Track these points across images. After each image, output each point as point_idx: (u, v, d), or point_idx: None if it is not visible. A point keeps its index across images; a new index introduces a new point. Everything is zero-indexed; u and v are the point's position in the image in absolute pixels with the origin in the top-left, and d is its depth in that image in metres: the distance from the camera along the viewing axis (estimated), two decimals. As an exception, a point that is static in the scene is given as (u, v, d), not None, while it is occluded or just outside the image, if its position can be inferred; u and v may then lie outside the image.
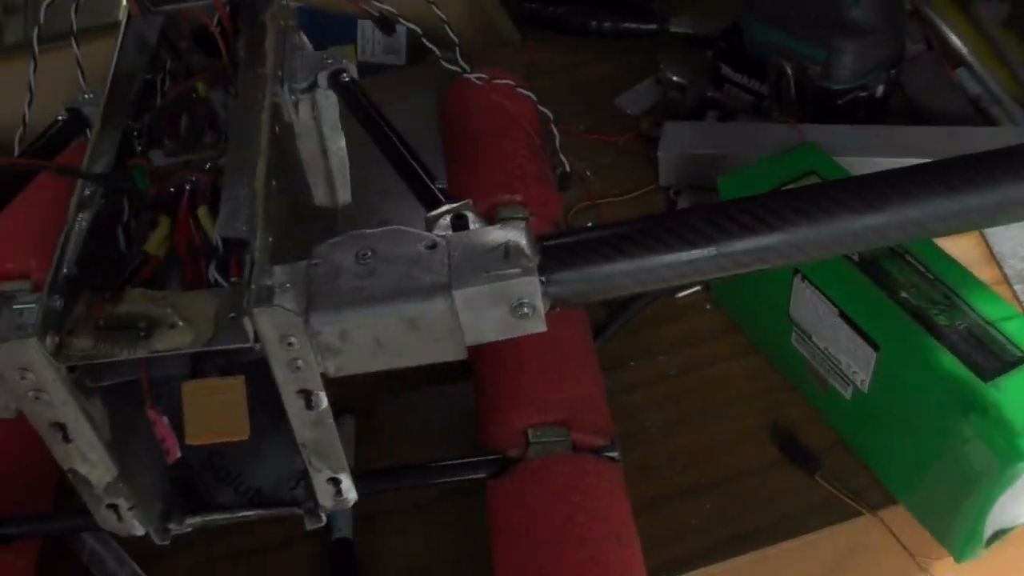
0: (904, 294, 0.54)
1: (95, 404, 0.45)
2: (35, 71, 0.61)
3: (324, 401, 0.45)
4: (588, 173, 0.83)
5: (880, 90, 0.80)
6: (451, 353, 0.44)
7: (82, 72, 0.62)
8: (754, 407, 0.64)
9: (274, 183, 0.48)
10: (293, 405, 0.45)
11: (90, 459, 0.46)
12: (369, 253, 0.43)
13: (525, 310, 0.43)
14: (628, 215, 0.79)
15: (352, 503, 0.51)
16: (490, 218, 0.68)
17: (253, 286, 0.41)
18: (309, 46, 0.63)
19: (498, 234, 0.44)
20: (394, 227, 0.44)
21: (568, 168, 0.77)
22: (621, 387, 0.66)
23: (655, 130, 0.83)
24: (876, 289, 0.55)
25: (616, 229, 0.44)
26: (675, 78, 0.84)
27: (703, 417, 0.64)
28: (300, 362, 0.43)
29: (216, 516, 0.52)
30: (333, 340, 0.42)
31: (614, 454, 0.55)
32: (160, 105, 0.55)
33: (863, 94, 0.79)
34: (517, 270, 0.42)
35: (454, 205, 0.48)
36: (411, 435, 0.65)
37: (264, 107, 0.50)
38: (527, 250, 0.43)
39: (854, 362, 0.56)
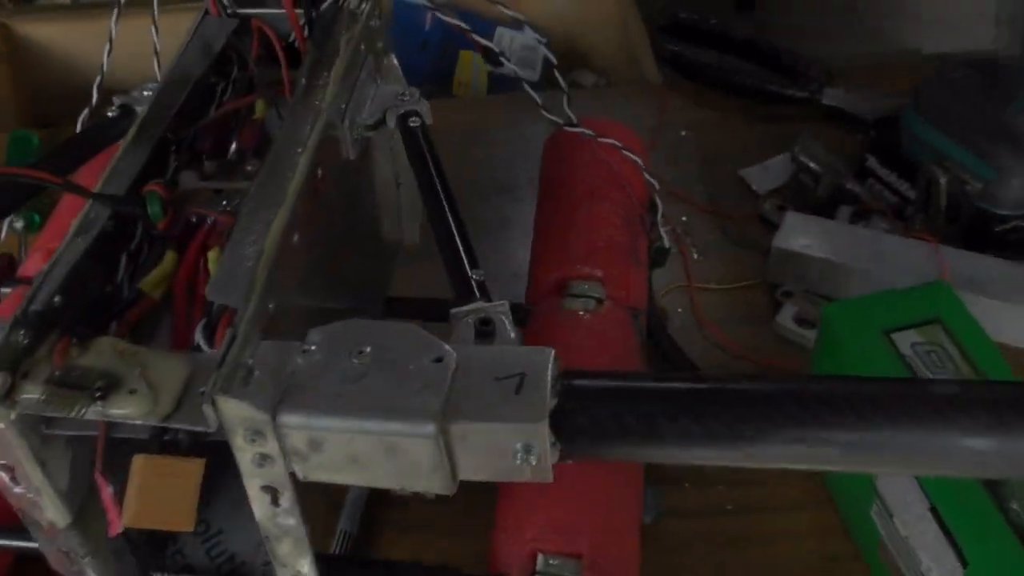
0: (1015, 506, 0.44)
1: (52, 450, 0.40)
2: (110, 52, 0.58)
3: (292, 501, 0.39)
4: (693, 251, 0.75)
5: (1051, 221, 0.69)
6: (437, 486, 0.37)
7: (158, 59, 0.59)
8: (813, 572, 0.55)
9: (297, 237, 0.43)
10: (257, 499, 0.39)
11: (39, 504, 0.42)
12: (367, 350, 0.37)
13: (530, 458, 0.36)
14: (723, 308, 0.70)
15: (317, 605, 0.45)
16: (560, 290, 0.62)
17: (225, 367, 0.36)
18: (397, 73, 0.57)
19: (518, 358, 0.37)
20: (408, 325, 0.38)
21: (667, 244, 0.69)
22: (670, 509, 0.58)
23: (777, 214, 0.74)
24: (980, 490, 0.45)
25: (659, 383, 0.37)
26: (811, 164, 0.75)
27: (752, 569, 0.56)
28: (267, 459, 0.37)
29: None
30: (301, 446, 0.36)
31: (629, 607, 0.48)
32: (210, 118, 0.50)
33: (1028, 224, 0.68)
34: (525, 412, 0.35)
35: (484, 305, 0.41)
36: (428, 516, 0.59)
37: (307, 147, 0.44)
38: (546, 387, 0.36)
39: (936, 567, 0.46)
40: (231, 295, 0.38)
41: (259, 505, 0.40)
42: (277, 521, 0.40)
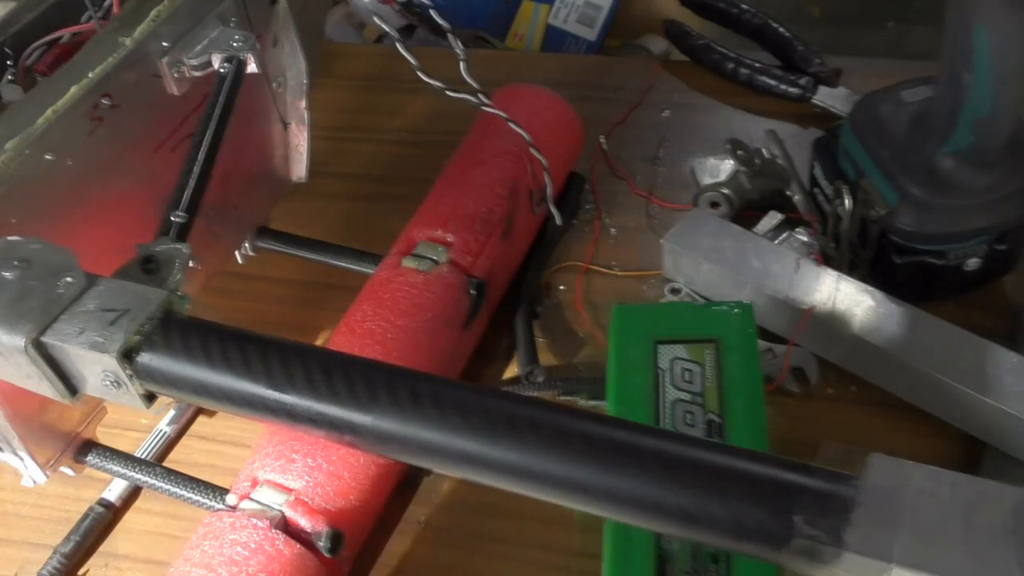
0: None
1: None
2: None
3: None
4: (612, 232, 0.73)
5: (972, 264, 0.62)
6: (53, 394, 0.41)
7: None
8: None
9: (51, 156, 0.48)
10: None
11: None
12: (26, 264, 0.42)
13: (119, 386, 0.39)
14: (612, 294, 0.69)
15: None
16: (411, 248, 0.64)
17: None
18: (286, 21, 0.60)
19: (136, 297, 0.40)
20: (66, 250, 0.42)
21: (558, 222, 0.69)
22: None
23: (706, 208, 0.71)
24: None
25: (244, 339, 0.39)
26: (742, 166, 0.71)
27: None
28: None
29: None
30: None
31: (323, 545, 0.50)
32: (48, 39, 0.55)
33: (936, 262, 0.61)
34: (100, 340, 0.38)
35: (166, 248, 0.44)
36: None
37: (82, 83, 0.49)
38: (135, 326, 0.39)
39: None
40: None
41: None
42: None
